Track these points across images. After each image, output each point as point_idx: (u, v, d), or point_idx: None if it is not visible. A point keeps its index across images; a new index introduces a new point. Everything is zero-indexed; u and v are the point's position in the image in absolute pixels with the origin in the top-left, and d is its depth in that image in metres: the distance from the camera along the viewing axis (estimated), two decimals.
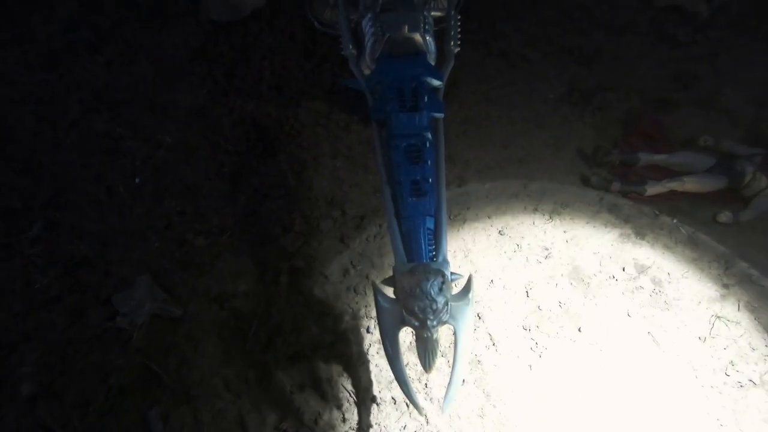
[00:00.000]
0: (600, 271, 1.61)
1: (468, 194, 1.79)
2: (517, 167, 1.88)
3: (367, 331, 1.52)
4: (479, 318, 1.52)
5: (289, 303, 1.56)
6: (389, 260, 1.63)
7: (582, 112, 2.03)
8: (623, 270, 1.61)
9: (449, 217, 1.70)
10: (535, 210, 1.76)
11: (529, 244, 1.67)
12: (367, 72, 1.42)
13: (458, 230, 1.70)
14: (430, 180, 1.16)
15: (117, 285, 1.60)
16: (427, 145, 1.18)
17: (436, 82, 1.26)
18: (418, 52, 1.27)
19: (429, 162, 1.17)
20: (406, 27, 1.23)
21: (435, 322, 1.07)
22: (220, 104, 2.05)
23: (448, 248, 1.22)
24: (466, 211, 1.76)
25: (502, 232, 1.71)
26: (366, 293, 1.58)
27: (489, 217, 1.75)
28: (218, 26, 2.30)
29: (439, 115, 1.23)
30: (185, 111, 2.03)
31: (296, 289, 1.59)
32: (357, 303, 1.57)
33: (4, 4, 2.42)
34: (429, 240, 1.14)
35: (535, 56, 2.23)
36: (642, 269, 1.60)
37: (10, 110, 2.04)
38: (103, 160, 1.87)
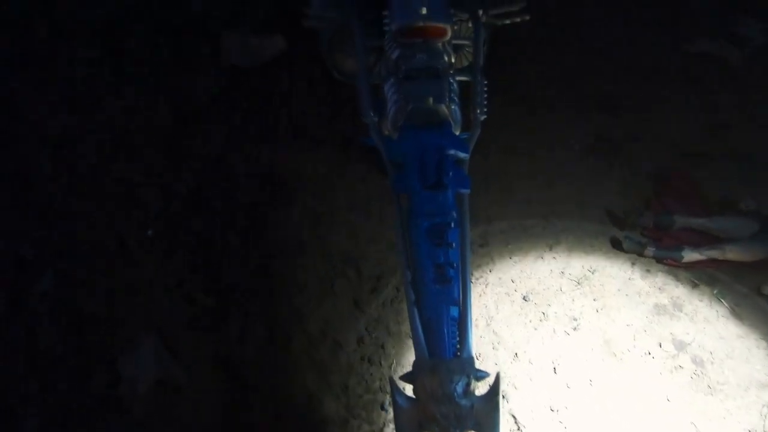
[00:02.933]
0: (634, 346, 1.42)
1: (490, 255, 1.61)
2: (542, 225, 1.69)
3: (382, 408, 1.34)
4: (503, 397, 1.33)
5: (300, 373, 1.40)
6: (406, 328, 1.46)
7: (609, 165, 1.85)
8: (660, 346, 1.41)
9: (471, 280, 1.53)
10: (562, 274, 1.58)
11: (556, 313, 1.49)
12: (386, 133, 1.27)
13: (480, 295, 1.53)
14: (455, 265, 1.00)
15: (123, 345, 1.46)
16: (452, 225, 1.02)
17: (461, 155, 1.10)
18: (443, 123, 1.11)
19: (454, 245, 1.00)
20: (432, 98, 1.07)
21: (458, 431, 0.91)
22: (236, 151, 1.91)
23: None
24: (488, 274, 1.58)
25: (526, 299, 1.53)
26: (381, 364, 1.42)
27: (513, 281, 1.57)
28: (238, 71, 2.19)
29: (465, 191, 1.06)
30: (202, 158, 1.90)
31: (308, 357, 1.43)
32: (372, 375, 1.40)
33: (32, 45, 2.35)
34: (453, 331, 0.97)
35: (559, 102, 2.06)
36: (681, 346, 1.40)
37: (30, 153, 1.94)
38: (117, 209, 1.75)
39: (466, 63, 1.77)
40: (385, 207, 1.73)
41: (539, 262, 1.61)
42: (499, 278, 1.57)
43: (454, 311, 0.97)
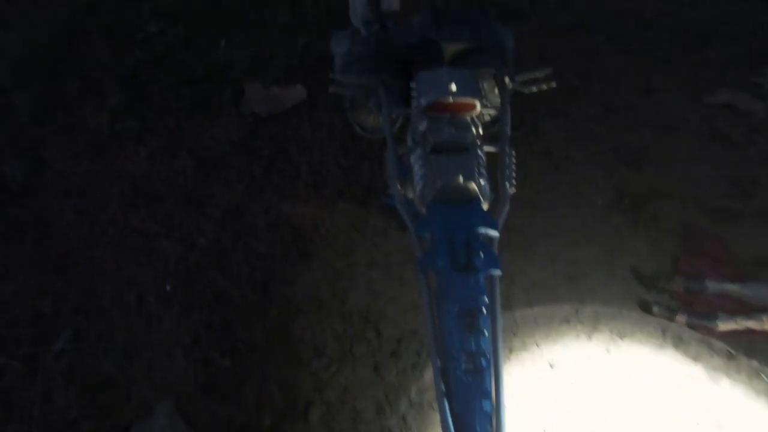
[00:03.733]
0: (668, 424, 1.33)
1: (514, 318, 1.55)
2: (567, 286, 1.63)
3: None
4: None
5: None
6: (429, 397, 1.39)
7: (635, 223, 1.78)
8: (696, 424, 1.32)
9: None
10: (590, 339, 1.50)
11: (584, 382, 1.41)
12: (411, 196, 1.23)
13: (505, 361, 1.45)
14: (488, 354, 0.94)
15: (137, 410, 1.41)
16: (484, 311, 0.96)
17: (492, 233, 1.05)
18: (472, 199, 1.07)
19: (486, 332, 0.95)
20: (461, 177, 1.04)
21: None
22: (256, 202, 1.89)
23: None
24: (512, 338, 1.51)
25: (553, 366, 1.45)
26: None
27: (538, 346, 1.49)
28: (259, 119, 2.19)
29: (496, 273, 1.01)
30: (221, 208, 1.88)
31: (327, 427, 1.36)
32: None
33: (62, 93, 2.39)
34: (485, 427, 0.91)
35: (580, 156, 2.01)
36: (719, 426, 1.31)
37: (53, 202, 1.94)
38: (136, 261, 1.72)
39: (488, 118, 1.75)
40: (405, 264, 1.68)
41: (565, 326, 1.53)
42: (524, 343, 1.50)
43: (487, 405, 0.91)
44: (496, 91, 1.39)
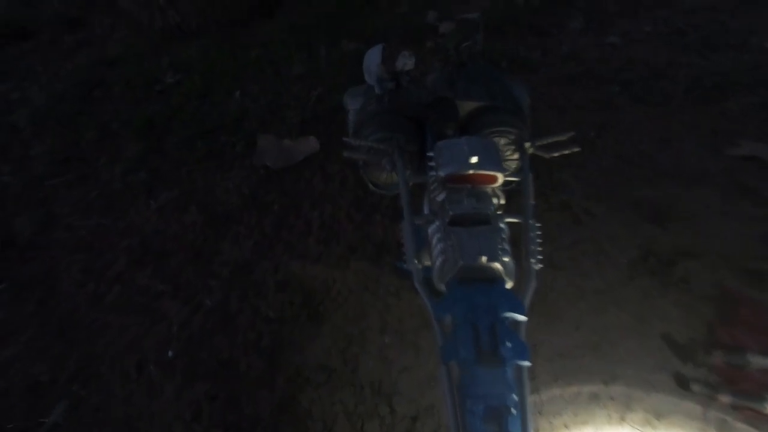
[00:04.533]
0: None
1: (539, 393, 1.41)
2: (593, 356, 1.49)
3: None
4: None
5: None
6: None
7: (663, 285, 1.65)
8: None
9: None
10: (623, 420, 1.35)
11: None
12: (426, 262, 1.13)
13: None
14: None
15: None
16: (513, 412, 0.84)
17: (519, 317, 0.94)
18: (496, 278, 0.97)
19: None
20: (484, 257, 0.94)
21: None
22: (265, 259, 1.81)
23: None
24: (537, 416, 1.37)
25: None
26: None
27: (566, 427, 1.35)
28: (271, 171, 2.14)
29: (525, 364, 0.89)
30: (230, 266, 1.79)
31: None
32: None
33: (79, 144, 2.37)
34: None
35: (600, 210, 1.91)
36: None
37: (61, 258, 1.88)
38: (139, 324, 1.63)
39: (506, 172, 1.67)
40: (420, 330, 1.57)
41: (594, 403, 1.39)
42: (550, 423, 1.35)
43: None
44: (515, 154, 1.31)
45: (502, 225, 1.03)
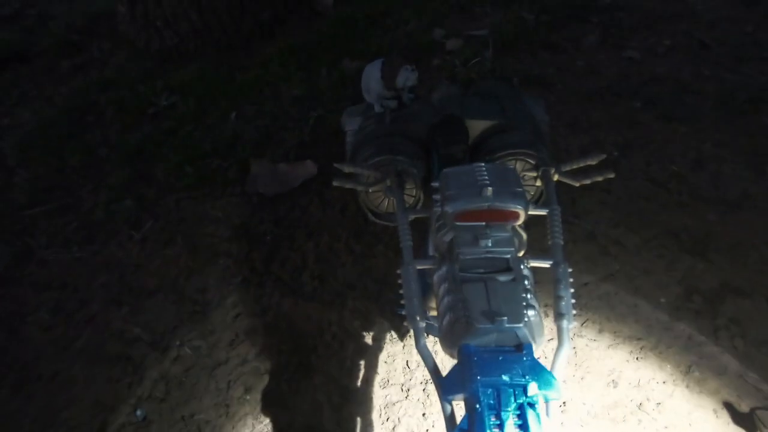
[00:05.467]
0: None
1: None
2: (637, 421, 1.24)
3: None
4: None
5: None
6: None
7: (712, 329, 1.41)
8: None
9: None
10: None
11: None
12: (431, 312, 0.92)
13: None
14: None
15: None
16: None
17: (553, 394, 0.71)
18: (521, 344, 0.74)
19: None
20: (505, 319, 0.72)
21: None
22: (253, 299, 1.60)
23: None
24: None
25: None
26: None
27: None
28: (265, 199, 1.95)
29: None
30: (214, 307, 1.59)
31: None
32: None
33: (64, 171, 2.22)
34: None
35: (632, 241, 1.67)
36: None
37: (32, 296, 1.68)
38: (108, 376, 1.42)
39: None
40: (428, 383, 1.33)
41: None
42: None
43: None
44: (535, 180, 1.10)
45: (525, 272, 0.81)
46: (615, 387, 1.28)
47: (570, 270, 0.85)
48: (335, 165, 1.09)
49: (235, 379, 1.37)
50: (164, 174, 2.11)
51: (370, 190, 1.12)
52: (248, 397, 1.33)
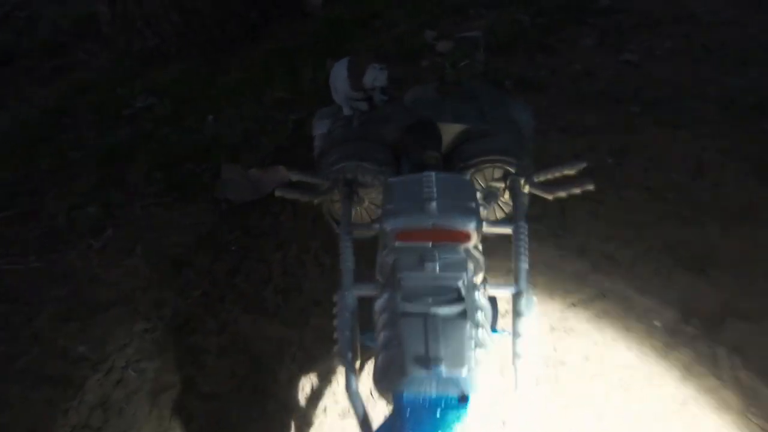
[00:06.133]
0: None
1: None
2: None
3: None
4: None
5: None
6: None
7: (713, 359, 1.25)
8: None
9: None
10: None
11: None
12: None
13: None
14: None
15: None
16: None
17: None
18: (463, 397, 0.60)
19: None
20: (443, 366, 0.58)
21: None
22: (211, 315, 1.46)
23: None
24: None
25: None
26: None
27: None
28: (236, 206, 1.82)
29: None
30: (166, 323, 1.46)
31: None
32: None
33: (32, 175, 2.11)
34: None
35: (626, 256, 1.52)
36: None
37: None
38: (46, 400, 1.29)
39: (501, 215, 1.31)
40: None
41: None
42: None
43: None
44: (506, 194, 0.96)
45: (481, 301, 0.66)
46: (599, 420, 1.13)
47: (534, 298, 0.71)
48: (276, 191, 0.95)
49: (180, 407, 1.23)
50: (134, 179, 1.99)
51: (315, 202, 0.99)
52: (192, 426, 1.20)
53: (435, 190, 0.68)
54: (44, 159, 2.17)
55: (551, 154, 1.90)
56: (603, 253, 1.51)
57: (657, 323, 1.32)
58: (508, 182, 0.89)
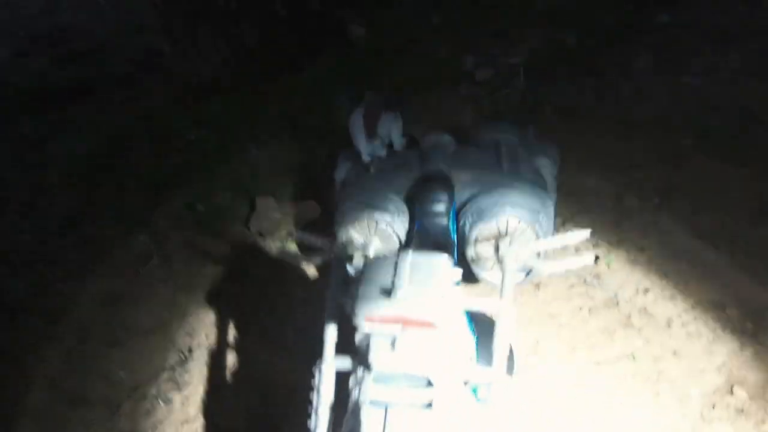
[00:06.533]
0: None
1: None
2: None
3: None
4: None
5: None
6: None
7: None
8: None
9: None
10: None
11: None
12: None
13: None
14: None
15: None
16: None
17: None
18: None
19: None
20: None
21: None
22: (236, 348, 1.54)
23: None
24: None
25: None
26: None
27: None
28: (266, 238, 1.90)
29: None
30: (195, 355, 1.55)
31: None
32: None
33: (92, 203, 2.34)
34: None
35: (664, 312, 1.40)
36: None
37: (42, 329, 1.77)
38: (82, 420, 1.41)
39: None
40: None
41: None
42: None
43: None
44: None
45: (455, 388, 0.65)
46: None
47: (515, 380, 0.68)
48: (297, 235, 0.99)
49: None
50: (178, 209, 2.15)
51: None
52: None
53: (403, 276, 0.67)
54: (104, 186, 2.40)
55: (588, 190, 1.81)
56: (637, 307, 1.41)
57: (693, 391, 1.21)
58: (497, 256, 0.86)
